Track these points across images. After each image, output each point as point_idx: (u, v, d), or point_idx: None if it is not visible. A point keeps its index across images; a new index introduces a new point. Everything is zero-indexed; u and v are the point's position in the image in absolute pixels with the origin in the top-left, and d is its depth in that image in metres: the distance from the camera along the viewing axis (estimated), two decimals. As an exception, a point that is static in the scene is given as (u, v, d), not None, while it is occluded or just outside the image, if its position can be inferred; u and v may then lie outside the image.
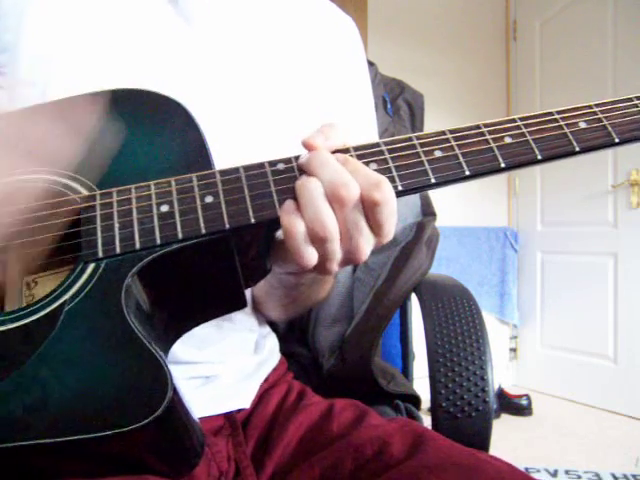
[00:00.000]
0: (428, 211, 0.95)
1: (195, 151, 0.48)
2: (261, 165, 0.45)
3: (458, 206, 2.97)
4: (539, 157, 0.45)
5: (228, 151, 0.50)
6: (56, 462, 0.38)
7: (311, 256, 0.41)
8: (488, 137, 0.46)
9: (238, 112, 0.61)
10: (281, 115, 0.63)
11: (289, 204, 0.42)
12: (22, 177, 0.44)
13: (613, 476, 1.94)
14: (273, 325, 0.77)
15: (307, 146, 0.44)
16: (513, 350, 3.13)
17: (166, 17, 0.61)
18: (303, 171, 0.43)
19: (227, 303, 0.50)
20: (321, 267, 0.43)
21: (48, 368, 0.38)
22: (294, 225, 0.41)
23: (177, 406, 0.37)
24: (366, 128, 0.71)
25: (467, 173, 0.45)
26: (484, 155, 0.45)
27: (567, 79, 2.79)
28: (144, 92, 0.50)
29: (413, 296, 0.88)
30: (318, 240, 0.41)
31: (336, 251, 0.42)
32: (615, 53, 2.61)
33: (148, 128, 0.49)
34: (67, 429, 0.35)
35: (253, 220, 0.43)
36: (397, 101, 1.11)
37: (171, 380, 0.37)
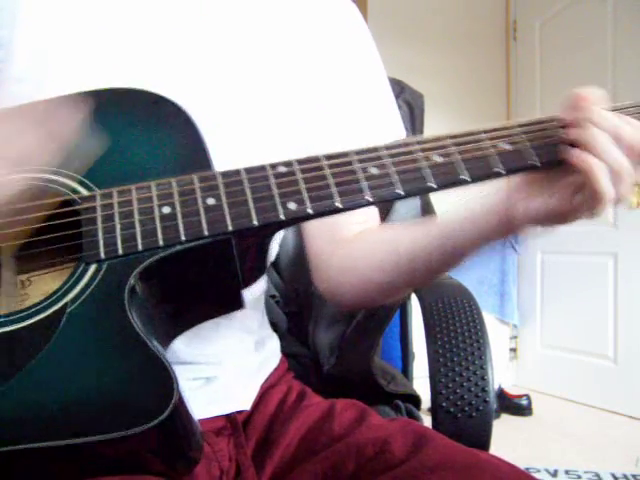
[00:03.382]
0: (428, 211, 0.95)
1: (193, 151, 0.47)
2: (262, 167, 0.45)
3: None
4: (538, 164, 0.46)
5: (232, 146, 0.50)
6: (54, 463, 0.38)
7: (611, 195, 0.43)
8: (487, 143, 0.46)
9: (246, 106, 0.60)
10: (288, 112, 0.63)
11: (581, 154, 0.44)
12: (19, 175, 0.44)
13: (613, 476, 1.94)
14: (273, 325, 0.77)
15: (579, 100, 0.45)
16: (513, 350, 3.13)
17: (175, 8, 0.59)
18: (569, 125, 0.45)
19: (225, 304, 0.50)
20: (599, 207, 0.45)
21: (51, 370, 0.38)
22: (600, 167, 0.43)
23: (181, 409, 0.37)
24: (385, 111, 0.70)
25: (468, 180, 0.45)
26: (482, 161, 0.45)
27: (567, 79, 2.78)
28: (140, 92, 0.50)
29: (413, 296, 0.88)
30: (617, 178, 0.43)
31: (627, 188, 0.45)
32: (615, 53, 2.61)
33: (145, 128, 0.49)
34: (69, 432, 0.35)
35: (256, 223, 0.43)
36: (397, 101, 1.11)
37: (177, 384, 0.37)
